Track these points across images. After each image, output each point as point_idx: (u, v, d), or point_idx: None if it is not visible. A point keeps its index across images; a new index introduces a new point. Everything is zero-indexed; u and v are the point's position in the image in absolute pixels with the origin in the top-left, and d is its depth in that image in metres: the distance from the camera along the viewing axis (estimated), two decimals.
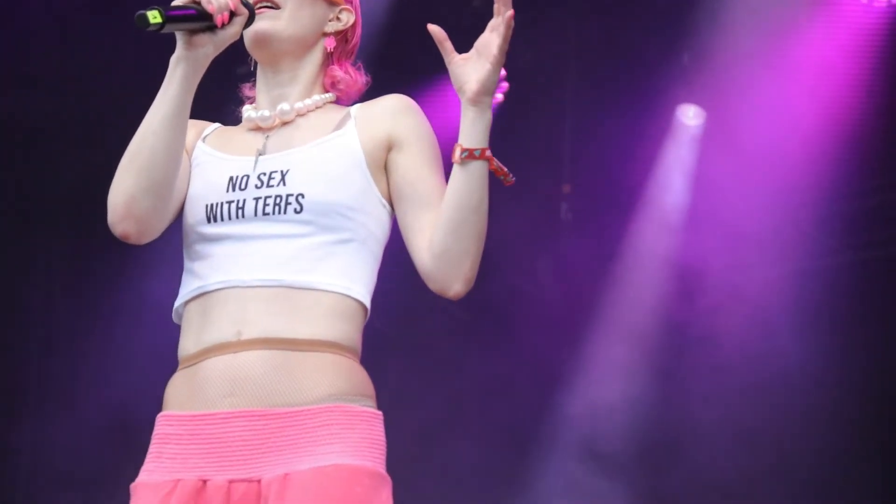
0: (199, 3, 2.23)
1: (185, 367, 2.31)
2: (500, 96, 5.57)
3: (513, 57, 2.33)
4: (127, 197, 2.27)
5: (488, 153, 2.24)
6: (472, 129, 2.24)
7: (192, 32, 2.25)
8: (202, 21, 2.25)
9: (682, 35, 6.19)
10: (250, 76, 2.52)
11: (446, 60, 2.27)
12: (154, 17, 2.18)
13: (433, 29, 2.25)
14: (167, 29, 2.20)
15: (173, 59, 2.27)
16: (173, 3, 2.22)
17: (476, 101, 2.24)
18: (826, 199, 6.30)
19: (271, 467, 2.23)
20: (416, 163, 2.35)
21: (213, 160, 2.39)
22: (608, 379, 6.39)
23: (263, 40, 2.38)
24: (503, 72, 2.23)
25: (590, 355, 6.55)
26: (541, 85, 6.44)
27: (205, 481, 2.26)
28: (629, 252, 6.59)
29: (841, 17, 6.07)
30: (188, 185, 2.38)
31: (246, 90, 2.52)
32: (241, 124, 2.47)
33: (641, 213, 6.56)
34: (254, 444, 2.24)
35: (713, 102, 6.27)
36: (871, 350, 6.30)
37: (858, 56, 6.01)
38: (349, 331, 2.30)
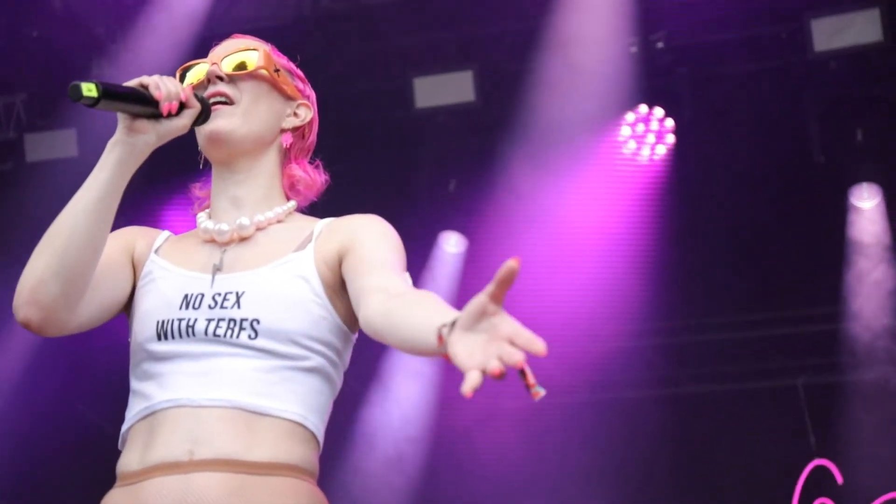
0: (146, 88, 2.16)
1: (127, 485, 2.20)
2: None
3: None
4: (34, 280, 2.18)
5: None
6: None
7: (134, 116, 2.17)
8: (146, 105, 2.16)
9: (453, 158, 6.62)
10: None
11: (484, 297, 1.87)
12: (89, 89, 2.06)
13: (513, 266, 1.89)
14: (102, 105, 2.09)
15: (111, 141, 2.19)
16: (121, 84, 2.14)
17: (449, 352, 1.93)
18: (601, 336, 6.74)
19: None
20: (365, 253, 2.22)
21: (168, 275, 2.31)
22: None
23: (219, 139, 2.32)
24: None
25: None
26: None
27: None
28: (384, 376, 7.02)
29: (608, 166, 6.59)
30: (134, 299, 2.32)
31: (196, 190, 2.46)
32: (194, 232, 2.40)
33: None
34: None
35: (477, 230, 6.59)
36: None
37: (624, 201, 6.53)
38: (307, 454, 2.24)
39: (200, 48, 2.43)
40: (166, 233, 2.44)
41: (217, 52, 2.40)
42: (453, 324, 1.84)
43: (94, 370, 6.58)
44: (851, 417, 7.07)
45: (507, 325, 1.79)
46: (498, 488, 7.04)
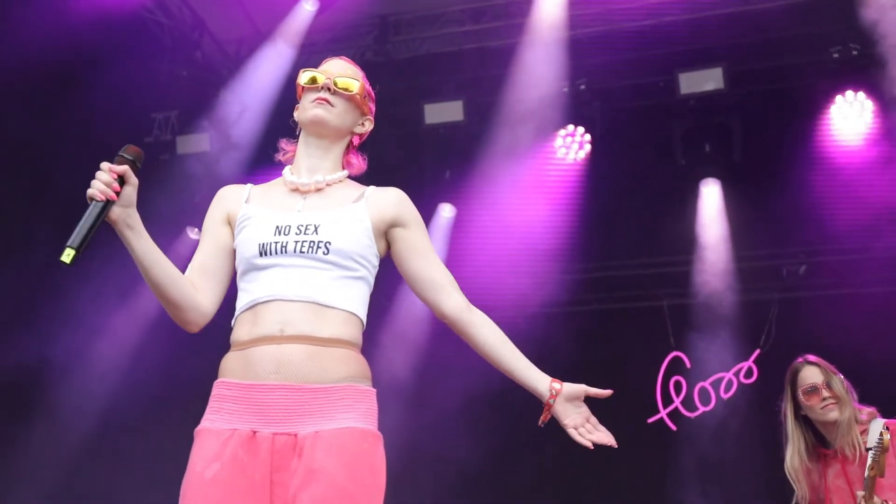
0: (92, 199, 2.35)
1: (238, 350, 2.55)
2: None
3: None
4: (168, 313, 2.60)
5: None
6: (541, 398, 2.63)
7: (107, 217, 2.38)
8: (104, 208, 2.33)
9: (449, 156, 7.94)
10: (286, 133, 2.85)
11: (582, 392, 2.60)
12: (67, 254, 2.22)
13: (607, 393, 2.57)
14: (85, 248, 2.26)
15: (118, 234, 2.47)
16: (78, 221, 2.31)
17: (556, 412, 2.58)
18: (540, 271, 7.98)
19: (305, 426, 2.44)
20: (418, 239, 2.69)
21: (262, 214, 2.66)
22: None
23: (318, 122, 2.73)
24: None
25: None
26: None
27: (254, 432, 2.46)
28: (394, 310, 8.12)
29: (547, 164, 8.08)
30: (236, 232, 2.65)
31: (283, 143, 2.85)
32: (278, 181, 2.76)
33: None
34: (292, 409, 2.46)
35: (465, 202, 8.08)
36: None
37: (557, 189, 8.00)
38: (356, 335, 2.60)
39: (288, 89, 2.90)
40: (249, 185, 2.77)
41: (332, 69, 2.79)
42: (558, 391, 2.50)
43: None
44: (697, 324, 7.93)
45: (589, 414, 2.53)
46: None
